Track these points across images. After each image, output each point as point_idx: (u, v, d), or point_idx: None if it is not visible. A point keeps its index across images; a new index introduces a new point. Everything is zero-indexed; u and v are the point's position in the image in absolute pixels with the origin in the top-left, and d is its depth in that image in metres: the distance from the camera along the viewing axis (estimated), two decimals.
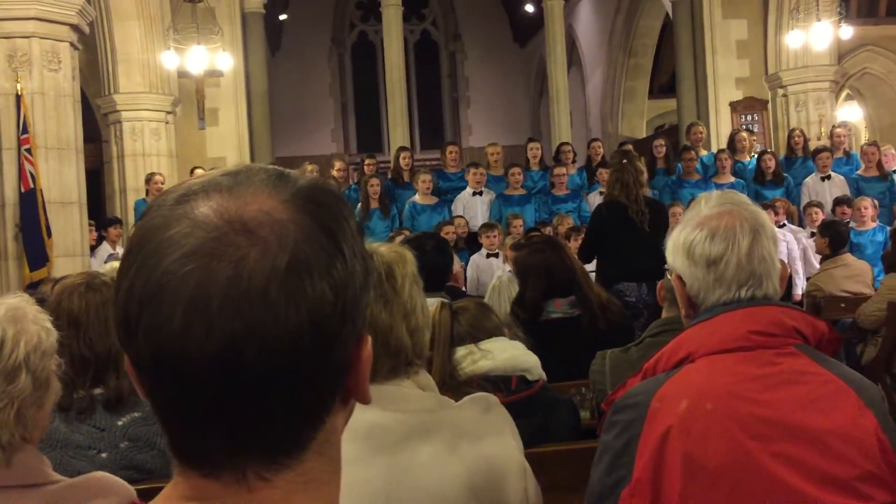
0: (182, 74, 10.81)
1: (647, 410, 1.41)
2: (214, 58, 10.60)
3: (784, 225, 8.25)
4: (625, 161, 5.64)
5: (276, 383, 0.58)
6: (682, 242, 1.56)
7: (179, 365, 0.58)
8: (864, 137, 14.43)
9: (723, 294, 1.51)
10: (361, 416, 1.25)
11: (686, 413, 1.38)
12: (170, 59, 10.32)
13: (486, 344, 2.31)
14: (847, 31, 11.28)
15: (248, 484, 0.60)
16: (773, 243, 1.55)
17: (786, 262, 7.89)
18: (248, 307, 0.57)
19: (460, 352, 2.27)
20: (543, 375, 2.43)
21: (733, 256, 1.50)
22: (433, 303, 2.35)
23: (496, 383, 2.26)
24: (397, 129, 12.23)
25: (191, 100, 11.25)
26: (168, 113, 10.89)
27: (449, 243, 3.42)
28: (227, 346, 0.57)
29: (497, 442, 1.36)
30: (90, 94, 11.19)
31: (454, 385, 2.17)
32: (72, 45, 7.26)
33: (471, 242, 8.01)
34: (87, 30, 7.73)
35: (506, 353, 2.32)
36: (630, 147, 9.38)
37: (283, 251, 0.58)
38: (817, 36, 10.65)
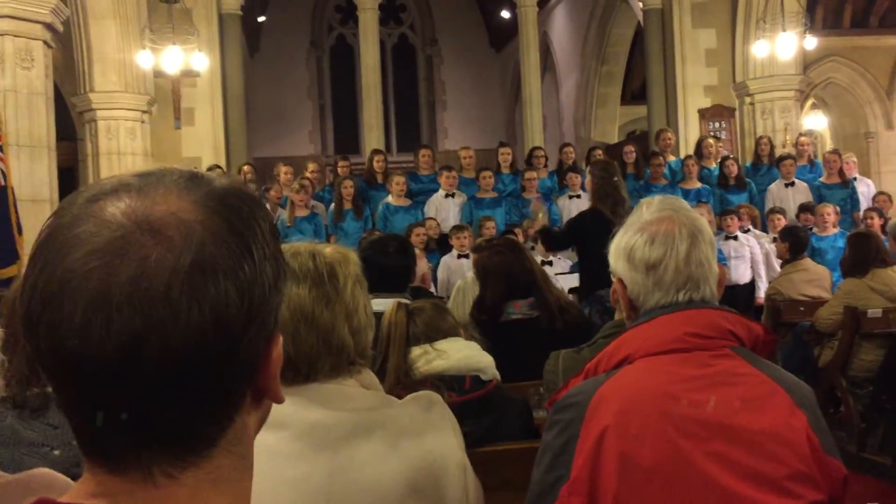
0: (158, 74, 10.82)
1: (586, 410, 1.43)
2: (190, 58, 10.63)
3: (748, 230, 8.46)
4: (609, 175, 5.74)
5: (178, 382, 0.59)
6: (623, 247, 1.59)
7: (80, 362, 0.57)
8: (828, 146, 14.72)
9: (661, 297, 1.54)
10: (304, 415, 1.32)
11: (622, 413, 1.40)
12: (145, 59, 10.33)
13: (441, 344, 2.33)
14: (812, 42, 11.54)
15: (154, 481, 0.60)
16: (710, 248, 1.59)
17: (748, 265, 8.10)
18: (149, 306, 0.57)
19: (415, 351, 2.31)
20: (497, 375, 2.46)
21: (671, 261, 1.53)
22: (388, 304, 2.45)
23: (450, 383, 2.30)
24: (372, 131, 12.32)
25: (167, 99, 11.26)
26: (144, 112, 10.89)
27: (412, 245, 3.51)
28: (127, 344, 0.57)
29: (437, 439, 1.38)
30: (66, 93, 11.16)
31: (409, 384, 2.19)
32: (45, 43, 7.27)
33: (442, 244, 8.12)
34: (60, 28, 7.75)
35: (460, 353, 2.35)
36: (600, 153, 9.59)
37: (188, 251, 0.59)
38: (783, 46, 10.89)
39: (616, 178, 5.65)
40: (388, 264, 3.15)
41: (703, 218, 1.65)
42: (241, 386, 0.64)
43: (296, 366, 1.36)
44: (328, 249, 1.45)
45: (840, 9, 14.68)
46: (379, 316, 2.55)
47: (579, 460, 1.41)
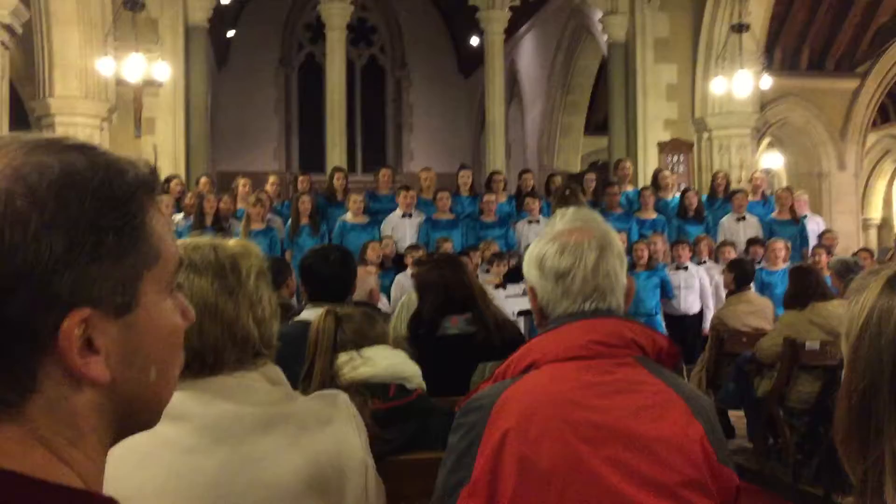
0: (121, 83, 10.76)
1: (490, 413, 1.45)
2: (152, 67, 10.58)
3: (704, 262, 8.60)
4: (567, 192, 5.84)
5: None
6: (535, 255, 1.63)
7: None
8: (784, 184, 15.05)
9: (569, 306, 1.57)
10: (206, 408, 1.33)
11: (523, 416, 1.42)
12: (107, 66, 10.27)
13: (368, 351, 2.35)
14: (768, 81, 11.84)
15: None
16: (619, 260, 1.62)
17: (698, 296, 8.22)
18: None
19: (342, 357, 2.31)
20: (423, 384, 2.48)
21: (580, 271, 1.56)
22: (315, 314, 2.46)
23: (374, 390, 2.32)
24: (335, 149, 12.34)
25: (128, 108, 11.19)
26: (103, 120, 10.81)
27: (353, 256, 3.52)
28: None
29: (339, 437, 1.38)
30: (25, 96, 11.05)
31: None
32: (2, 44, 7.20)
33: (398, 263, 8.15)
34: (19, 30, 7.69)
35: (386, 360, 2.37)
36: (558, 179, 9.71)
37: None
38: (740, 84, 11.16)
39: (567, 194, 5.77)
40: (328, 273, 3.16)
41: (613, 231, 1.70)
42: (26, 354, 0.65)
43: (202, 357, 1.37)
44: (230, 243, 1.46)
45: (798, 50, 15.10)
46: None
47: (480, 462, 1.43)
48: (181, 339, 0.78)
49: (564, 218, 1.70)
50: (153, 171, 0.75)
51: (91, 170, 0.68)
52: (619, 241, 1.67)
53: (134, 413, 0.74)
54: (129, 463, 1.24)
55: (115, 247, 0.68)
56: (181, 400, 1.32)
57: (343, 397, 1.47)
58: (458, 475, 1.45)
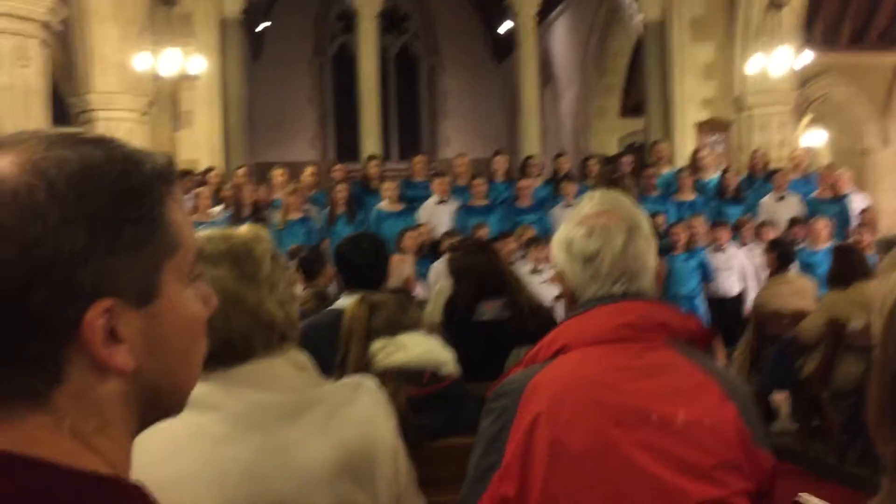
0: (158, 77, 10.91)
1: (521, 398, 1.45)
2: (188, 61, 10.71)
3: (746, 244, 8.48)
4: (615, 176, 5.78)
5: None
6: (563, 239, 1.62)
7: None
8: (826, 161, 14.74)
9: (598, 289, 1.56)
10: (236, 397, 1.35)
11: (554, 400, 1.43)
12: (144, 61, 10.41)
13: (402, 338, 2.37)
14: (808, 57, 11.57)
15: None
16: (647, 242, 1.60)
17: (736, 278, 8.11)
18: None
19: (376, 344, 2.34)
20: (457, 371, 2.50)
21: (608, 253, 1.55)
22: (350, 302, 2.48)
23: (408, 376, 2.34)
24: (370, 137, 12.38)
25: (166, 101, 11.33)
26: (143, 114, 10.96)
27: (386, 243, 3.54)
28: None
29: (367, 422, 1.39)
30: (65, 93, 11.25)
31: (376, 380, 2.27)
32: (42, 41, 7.34)
33: (435, 249, 8.16)
34: (58, 27, 7.83)
35: (420, 346, 2.39)
36: (594, 162, 9.61)
37: None
38: (779, 61, 10.93)
39: (614, 177, 5.73)
40: (362, 261, 3.18)
41: (642, 213, 1.67)
42: (51, 345, 0.67)
43: (231, 346, 1.39)
44: (241, 230, 1.48)
45: (838, 24, 14.74)
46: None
47: (511, 446, 1.43)
48: (203, 327, 0.79)
49: (592, 201, 1.65)
50: (171, 163, 0.76)
51: (109, 163, 0.70)
52: (647, 224, 1.65)
53: (159, 401, 0.75)
54: (162, 452, 1.27)
55: (134, 238, 0.69)
56: (212, 390, 1.35)
57: (369, 382, 1.48)
58: (490, 459, 1.45)
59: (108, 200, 0.68)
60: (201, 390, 1.31)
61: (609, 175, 6.12)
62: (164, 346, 0.73)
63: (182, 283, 0.75)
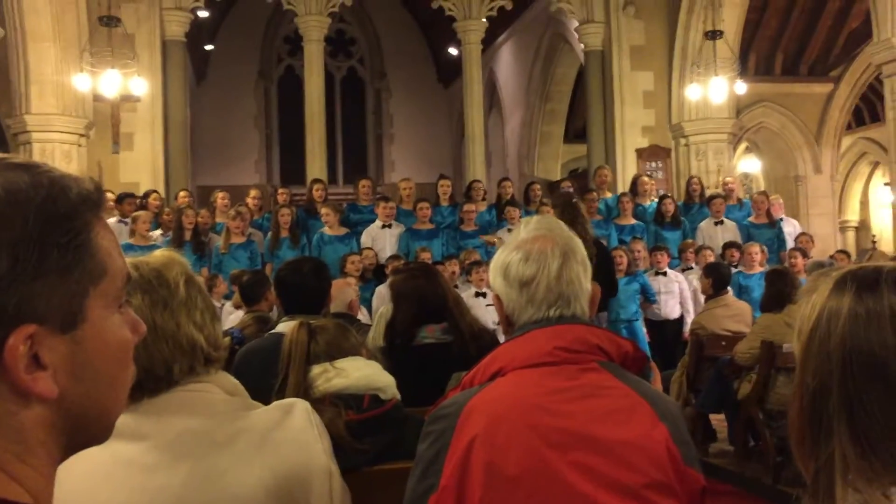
0: (98, 98, 10.73)
1: (457, 421, 1.46)
2: (129, 82, 10.56)
3: (691, 268, 8.66)
4: (574, 200, 5.87)
5: None
6: (500, 264, 1.64)
7: None
8: (762, 188, 15.19)
9: (534, 313, 1.58)
10: (165, 425, 1.34)
11: (490, 423, 1.43)
12: (83, 82, 10.23)
13: (342, 363, 2.34)
14: (742, 87, 11.96)
15: None
16: (582, 267, 1.63)
17: (678, 301, 8.27)
18: None
19: (315, 370, 2.31)
20: (397, 395, 2.47)
21: (543, 278, 1.57)
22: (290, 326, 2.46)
23: (348, 401, 2.31)
24: (315, 161, 12.34)
25: (106, 123, 11.15)
26: (81, 136, 10.76)
27: (328, 267, 3.52)
28: None
29: (300, 445, 1.38)
30: (1, 115, 10.99)
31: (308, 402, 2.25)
32: None
33: (379, 273, 8.16)
34: None
35: (360, 371, 2.36)
36: (537, 188, 9.74)
37: None
38: (715, 90, 11.28)
39: (574, 201, 5.83)
40: (302, 285, 3.16)
41: (577, 238, 1.71)
42: None
43: (153, 374, 1.37)
44: (151, 257, 1.46)
45: (771, 56, 15.27)
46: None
47: (448, 469, 1.43)
48: (130, 353, 0.78)
49: (528, 226, 1.68)
50: (98, 188, 0.76)
51: (34, 188, 0.69)
52: (582, 248, 1.67)
53: (84, 427, 0.74)
54: (90, 483, 1.25)
55: (59, 263, 0.69)
56: (139, 419, 1.33)
57: (301, 404, 1.47)
58: (427, 483, 1.46)
59: (32, 226, 0.67)
60: (128, 420, 1.30)
61: (566, 197, 6.20)
62: (90, 372, 0.72)
63: (109, 309, 0.74)
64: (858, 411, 1.00)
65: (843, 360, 1.01)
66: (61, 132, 10.50)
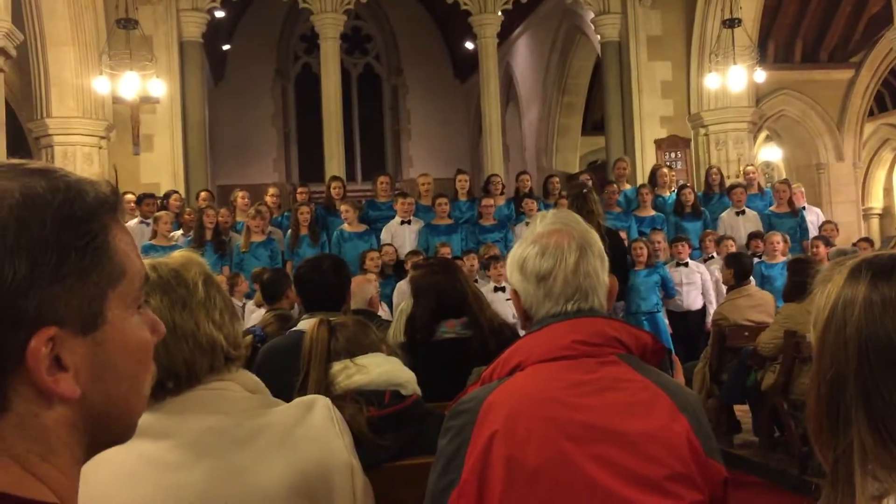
0: (117, 100, 10.83)
1: (478, 415, 1.46)
2: (148, 84, 10.64)
3: (712, 257, 8.62)
4: (585, 191, 5.88)
5: None
6: (516, 259, 1.64)
7: None
8: (783, 176, 15.04)
9: (551, 307, 1.58)
10: (187, 424, 1.35)
11: (510, 417, 1.44)
12: (102, 85, 10.33)
13: (362, 359, 2.35)
14: (762, 75, 11.84)
15: None
16: (599, 260, 1.63)
17: (700, 292, 8.22)
18: None
19: (336, 367, 2.33)
20: (418, 390, 2.47)
21: (560, 272, 1.57)
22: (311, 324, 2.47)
23: (369, 397, 2.32)
24: (333, 158, 12.38)
25: (126, 125, 11.24)
26: (101, 138, 10.87)
27: (347, 264, 3.54)
28: None
29: (321, 442, 1.38)
30: (22, 119, 11.11)
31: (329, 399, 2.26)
32: None
33: (399, 269, 8.18)
34: (13, 52, 7.74)
35: (380, 367, 2.37)
36: (556, 181, 9.72)
37: None
38: (734, 79, 11.18)
39: (585, 192, 5.82)
40: (322, 283, 3.17)
41: (593, 232, 1.70)
42: None
43: (175, 374, 1.38)
44: (169, 258, 1.47)
45: (791, 43, 15.11)
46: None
47: (469, 464, 1.44)
48: (150, 353, 0.79)
49: (545, 220, 1.67)
50: (115, 191, 0.77)
51: (51, 192, 0.70)
52: (599, 242, 1.67)
53: (106, 427, 0.75)
54: (114, 483, 1.26)
55: (78, 266, 0.70)
56: (162, 418, 1.35)
57: (322, 401, 1.47)
58: (448, 478, 1.46)
59: (50, 229, 0.68)
60: (151, 419, 1.31)
61: (577, 188, 6.20)
62: (111, 372, 0.73)
63: (128, 310, 0.75)
64: (876, 399, 0.99)
65: (860, 348, 1.01)
66: (82, 135, 10.60)
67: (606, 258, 1.69)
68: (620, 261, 6.11)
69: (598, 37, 12.98)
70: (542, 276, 1.59)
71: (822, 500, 1.06)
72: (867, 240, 9.65)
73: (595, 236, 1.67)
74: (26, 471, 0.69)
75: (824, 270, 1.13)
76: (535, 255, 1.60)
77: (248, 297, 7.44)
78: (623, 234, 8.38)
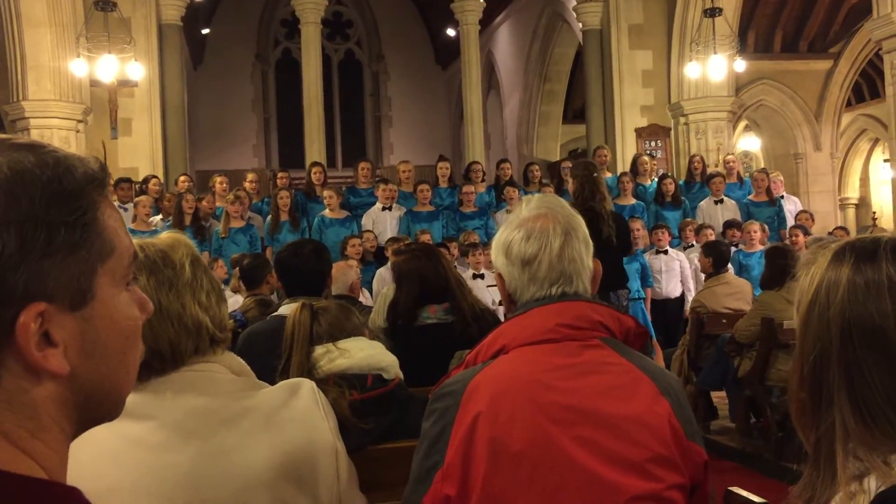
0: (95, 84, 10.69)
1: (462, 398, 1.47)
2: (126, 67, 10.52)
3: (692, 245, 8.68)
4: (595, 175, 5.86)
5: None
6: (502, 242, 1.64)
7: None
8: (762, 166, 15.16)
9: (536, 291, 1.59)
10: (172, 404, 1.35)
11: (494, 400, 1.45)
12: (80, 67, 10.19)
13: (345, 343, 2.36)
14: (742, 65, 11.90)
15: None
16: (584, 245, 1.63)
17: (678, 280, 8.28)
18: None
19: (318, 350, 2.33)
20: (400, 375, 2.49)
21: (545, 256, 1.58)
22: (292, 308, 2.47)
23: (352, 381, 2.33)
24: (314, 144, 12.32)
25: (104, 109, 11.12)
26: (79, 122, 10.73)
27: (328, 249, 3.53)
28: None
29: (306, 424, 1.39)
30: None
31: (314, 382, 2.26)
32: None
33: (379, 256, 8.17)
34: None
35: (363, 352, 2.38)
36: (536, 168, 9.73)
37: None
38: (714, 68, 11.23)
39: (595, 175, 5.80)
40: (303, 267, 3.17)
41: (578, 216, 1.71)
42: None
43: (160, 355, 1.38)
44: (156, 239, 1.47)
45: (771, 33, 15.19)
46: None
47: (453, 446, 1.45)
48: (139, 330, 0.79)
49: (530, 205, 1.67)
50: (103, 168, 0.76)
51: (40, 167, 0.70)
52: (584, 226, 1.67)
53: (95, 403, 0.75)
54: (98, 463, 1.26)
55: (67, 242, 0.70)
56: (146, 399, 1.34)
57: (308, 384, 1.47)
58: (432, 460, 1.47)
59: (39, 205, 0.68)
60: (135, 399, 1.30)
61: (588, 169, 6.11)
62: (100, 348, 0.73)
63: (117, 287, 0.75)
64: (858, 380, 1.01)
65: (843, 329, 1.02)
66: (59, 118, 10.47)
67: (591, 243, 1.70)
68: (625, 245, 6.12)
69: (580, 25, 12.98)
70: (526, 261, 1.59)
71: (804, 480, 1.08)
72: (843, 228, 9.76)
73: (580, 221, 1.68)
74: (15, 446, 0.68)
75: (807, 253, 1.14)
76: (520, 239, 1.61)
77: (225, 283, 7.40)
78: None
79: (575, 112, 16.96)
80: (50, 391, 0.70)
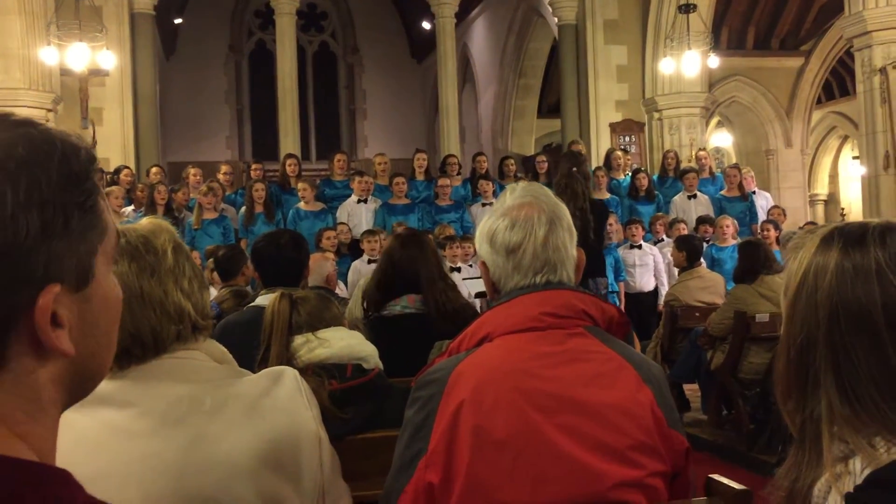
0: (65, 72, 10.53)
1: (446, 386, 1.48)
2: (97, 56, 10.37)
3: (662, 240, 8.75)
4: (574, 170, 5.86)
5: None
6: (486, 231, 1.64)
7: None
8: (734, 161, 15.31)
9: (520, 280, 1.60)
10: (153, 391, 1.32)
11: (478, 387, 1.45)
12: (50, 56, 10.03)
13: (324, 333, 2.35)
14: (715, 61, 12.01)
15: None
16: (568, 234, 1.64)
17: (652, 274, 8.35)
18: None
19: (298, 340, 2.32)
20: (380, 364, 2.48)
21: (530, 245, 1.58)
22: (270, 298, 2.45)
23: (331, 371, 2.32)
24: (288, 136, 12.25)
25: (74, 98, 10.96)
26: (49, 111, 10.55)
27: (305, 239, 3.51)
28: None
29: (289, 412, 1.38)
30: None
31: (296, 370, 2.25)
32: None
33: (354, 249, 8.14)
34: None
35: (342, 341, 2.37)
36: (512, 162, 9.75)
37: None
38: (688, 64, 11.33)
39: (578, 168, 5.81)
40: (281, 257, 3.14)
41: (563, 205, 1.71)
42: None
43: (142, 342, 1.36)
44: (138, 224, 1.45)
45: (743, 30, 15.34)
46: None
47: (436, 434, 1.45)
48: (121, 310, 0.80)
49: (514, 193, 1.67)
50: (92, 147, 0.76)
51: (50, 145, 0.70)
52: (568, 215, 1.68)
53: (85, 383, 0.75)
54: (78, 451, 1.23)
55: (80, 223, 0.70)
56: (125, 386, 1.32)
57: (290, 372, 1.46)
58: (416, 447, 1.47)
59: (56, 185, 0.68)
60: (115, 387, 1.29)
61: (575, 159, 6.14)
62: (94, 328, 0.73)
63: (108, 266, 0.76)
64: (845, 363, 1.02)
65: (830, 313, 1.03)
66: (29, 107, 10.25)
67: (575, 232, 1.71)
68: (600, 238, 6.18)
69: (556, 19, 13.01)
70: (511, 249, 1.60)
71: (789, 462, 1.09)
72: (812, 223, 9.89)
73: (565, 210, 1.68)
74: (8, 429, 0.68)
75: (796, 238, 1.15)
76: (504, 227, 1.61)
77: None
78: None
79: (550, 106, 17.00)
80: (52, 372, 0.70)
